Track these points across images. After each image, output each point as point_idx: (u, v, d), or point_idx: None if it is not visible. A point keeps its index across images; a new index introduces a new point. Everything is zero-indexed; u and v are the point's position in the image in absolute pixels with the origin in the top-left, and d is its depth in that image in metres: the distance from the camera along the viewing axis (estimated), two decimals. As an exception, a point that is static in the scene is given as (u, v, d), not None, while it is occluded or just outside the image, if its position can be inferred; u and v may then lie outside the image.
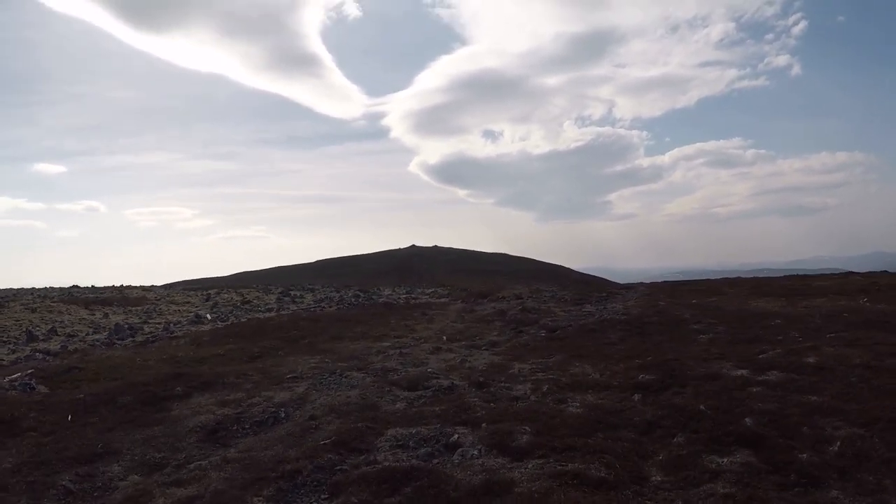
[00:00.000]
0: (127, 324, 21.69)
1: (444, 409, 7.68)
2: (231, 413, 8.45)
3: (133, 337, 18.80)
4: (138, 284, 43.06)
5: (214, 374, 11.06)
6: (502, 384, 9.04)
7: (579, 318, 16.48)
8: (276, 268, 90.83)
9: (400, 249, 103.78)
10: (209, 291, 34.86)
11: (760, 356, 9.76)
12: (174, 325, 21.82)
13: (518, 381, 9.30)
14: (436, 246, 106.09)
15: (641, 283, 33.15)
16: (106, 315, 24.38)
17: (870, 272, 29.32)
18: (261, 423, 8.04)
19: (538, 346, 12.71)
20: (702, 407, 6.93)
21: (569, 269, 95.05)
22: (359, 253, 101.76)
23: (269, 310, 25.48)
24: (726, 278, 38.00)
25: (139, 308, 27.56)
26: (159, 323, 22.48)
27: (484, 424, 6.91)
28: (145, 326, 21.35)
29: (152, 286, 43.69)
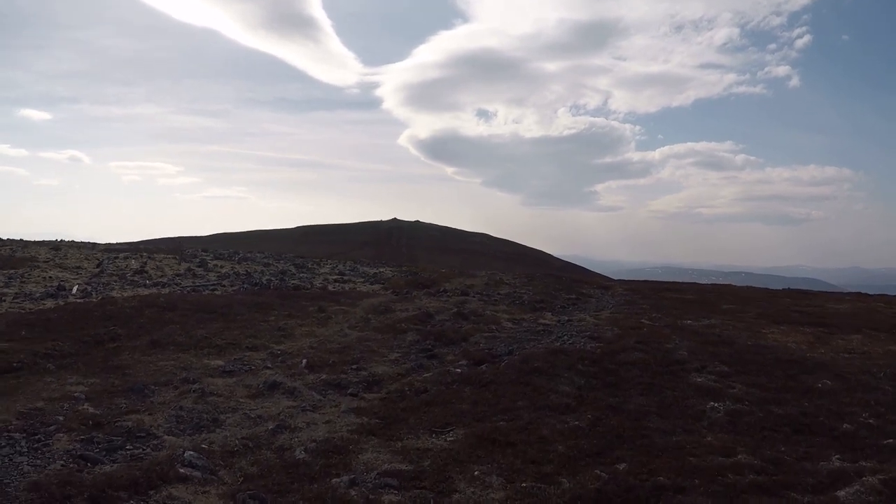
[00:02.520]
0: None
1: None
2: None
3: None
4: (84, 241, 37.09)
5: None
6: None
7: (528, 339, 11.38)
8: (255, 231, 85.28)
9: (382, 221, 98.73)
10: (117, 255, 29.43)
11: (841, 493, 4.76)
12: (21, 297, 16.59)
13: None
14: (418, 221, 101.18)
15: (621, 282, 28.01)
16: (-41, 280, 18.89)
17: (882, 294, 24.98)
18: None
19: (439, 397, 7.57)
20: None
21: (550, 255, 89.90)
22: (339, 222, 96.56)
23: (158, 284, 20.16)
24: (715, 284, 33.05)
25: (12, 271, 22.24)
26: (4, 293, 17.19)
27: None
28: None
29: (91, 243, 37.74)
